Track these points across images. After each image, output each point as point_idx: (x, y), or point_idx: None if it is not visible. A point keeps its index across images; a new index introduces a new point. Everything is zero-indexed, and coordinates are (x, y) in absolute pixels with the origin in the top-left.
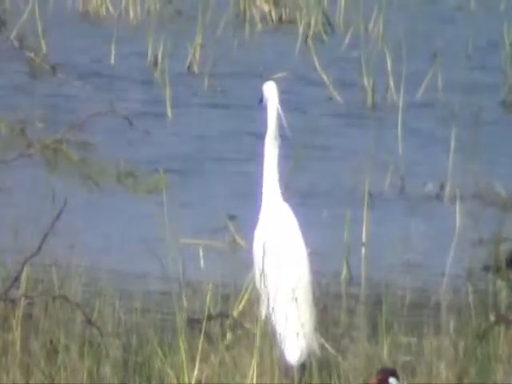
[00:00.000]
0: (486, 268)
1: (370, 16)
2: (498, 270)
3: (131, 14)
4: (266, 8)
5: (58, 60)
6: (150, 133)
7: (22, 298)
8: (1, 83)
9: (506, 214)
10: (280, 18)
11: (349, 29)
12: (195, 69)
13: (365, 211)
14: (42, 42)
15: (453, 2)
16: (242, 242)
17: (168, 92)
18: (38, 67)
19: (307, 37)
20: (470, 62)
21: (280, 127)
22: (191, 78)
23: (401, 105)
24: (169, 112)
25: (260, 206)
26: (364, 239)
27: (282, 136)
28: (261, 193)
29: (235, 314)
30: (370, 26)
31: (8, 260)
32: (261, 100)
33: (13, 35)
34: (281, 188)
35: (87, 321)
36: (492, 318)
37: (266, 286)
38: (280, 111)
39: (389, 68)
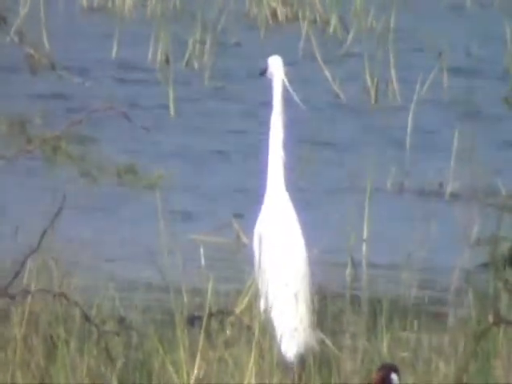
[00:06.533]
0: (485, 267)
1: (374, 14)
2: (496, 269)
3: (135, 9)
4: (273, 5)
5: (58, 56)
6: (150, 129)
7: (22, 295)
8: (0, 79)
9: (506, 213)
10: (286, 16)
11: (353, 26)
12: (195, 65)
13: (366, 208)
14: (43, 37)
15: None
16: (245, 240)
17: (169, 88)
18: (37, 63)
19: (311, 34)
20: (471, 59)
21: (287, 103)
22: (191, 74)
23: (413, 102)
24: (171, 108)
25: (264, 195)
26: (365, 236)
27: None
28: (265, 180)
29: (236, 311)
30: (374, 23)
31: (8, 256)
32: (262, 72)
33: (13, 31)
34: (284, 172)
35: (86, 319)
36: (491, 318)
37: (264, 282)
38: (287, 84)
39: (392, 65)
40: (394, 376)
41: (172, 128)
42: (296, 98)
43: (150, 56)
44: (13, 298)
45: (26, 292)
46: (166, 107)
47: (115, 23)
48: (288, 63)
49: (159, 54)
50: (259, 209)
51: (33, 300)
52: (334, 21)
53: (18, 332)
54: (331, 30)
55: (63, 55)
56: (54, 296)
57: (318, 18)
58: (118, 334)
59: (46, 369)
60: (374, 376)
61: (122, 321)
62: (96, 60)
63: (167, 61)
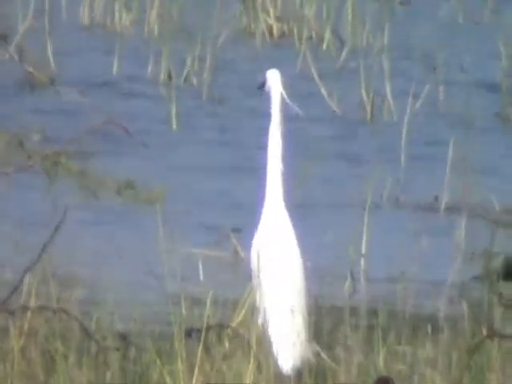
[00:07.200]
0: (479, 280)
1: (370, 29)
2: (490, 283)
3: (132, 27)
4: (269, 21)
5: (58, 72)
6: (149, 145)
7: (21, 310)
8: (0, 96)
9: (499, 227)
10: (283, 32)
11: (349, 41)
12: (193, 81)
13: (365, 222)
14: (44, 54)
15: (442, 13)
16: (243, 254)
17: (172, 103)
18: (37, 80)
19: (307, 49)
20: (465, 74)
21: (285, 113)
22: (190, 89)
23: (407, 115)
24: (173, 123)
25: (262, 209)
26: (363, 251)
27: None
28: (263, 194)
29: (234, 324)
30: (370, 38)
31: (8, 270)
32: (261, 85)
33: (12, 48)
34: (283, 185)
35: (86, 333)
36: (485, 331)
37: (261, 295)
38: (285, 96)
39: (387, 80)
40: None
41: (174, 142)
42: (295, 108)
43: (150, 72)
44: (12, 313)
45: (26, 308)
46: (168, 122)
47: (115, 40)
48: (285, 78)
49: (162, 70)
50: (257, 223)
51: (32, 315)
52: (327, 36)
53: (16, 344)
54: (325, 45)
55: (64, 71)
56: (54, 312)
57: (313, 35)
58: (117, 350)
59: (45, 382)
60: None
61: (122, 337)
62: (96, 76)
63: (170, 77)
